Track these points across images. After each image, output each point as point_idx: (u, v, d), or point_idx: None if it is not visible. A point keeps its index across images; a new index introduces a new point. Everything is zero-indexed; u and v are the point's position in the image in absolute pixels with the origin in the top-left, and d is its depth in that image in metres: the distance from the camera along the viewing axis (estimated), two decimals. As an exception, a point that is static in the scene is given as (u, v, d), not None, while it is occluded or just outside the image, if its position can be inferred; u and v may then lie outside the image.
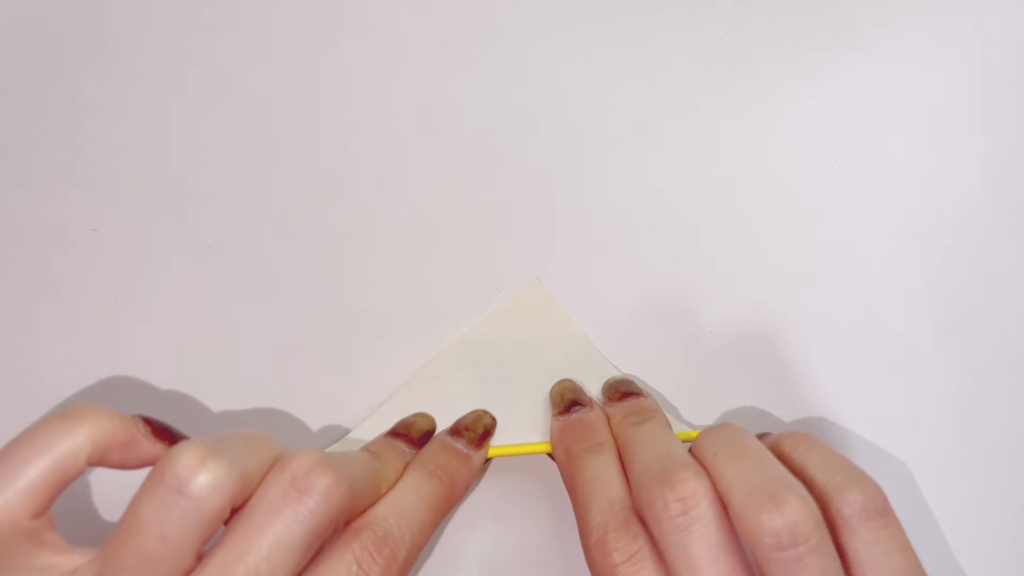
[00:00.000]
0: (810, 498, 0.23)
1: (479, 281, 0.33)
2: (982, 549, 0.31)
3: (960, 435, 0.32)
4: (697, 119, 0.34)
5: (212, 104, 0.34)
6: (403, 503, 0.25)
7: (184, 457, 0.22)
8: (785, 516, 0.22)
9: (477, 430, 0.29)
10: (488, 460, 0.30)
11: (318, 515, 0.22)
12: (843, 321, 0.32)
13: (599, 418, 0.29)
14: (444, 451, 0.28)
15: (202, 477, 0.22)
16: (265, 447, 0.24)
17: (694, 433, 0.29)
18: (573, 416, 0.29)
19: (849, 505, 0.23)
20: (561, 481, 0.29)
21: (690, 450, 0.26)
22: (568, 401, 0.29)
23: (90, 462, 0.24)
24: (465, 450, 0.28)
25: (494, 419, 0.30)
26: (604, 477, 0.26)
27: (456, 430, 0.29)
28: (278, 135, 0.33)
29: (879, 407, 0.32)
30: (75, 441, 0.23)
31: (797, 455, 0.25)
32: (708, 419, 0.32)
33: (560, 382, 0.31)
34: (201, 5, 0.34)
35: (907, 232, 0.33)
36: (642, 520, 0.24)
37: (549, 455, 0.30)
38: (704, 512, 0.23)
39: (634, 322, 0.32)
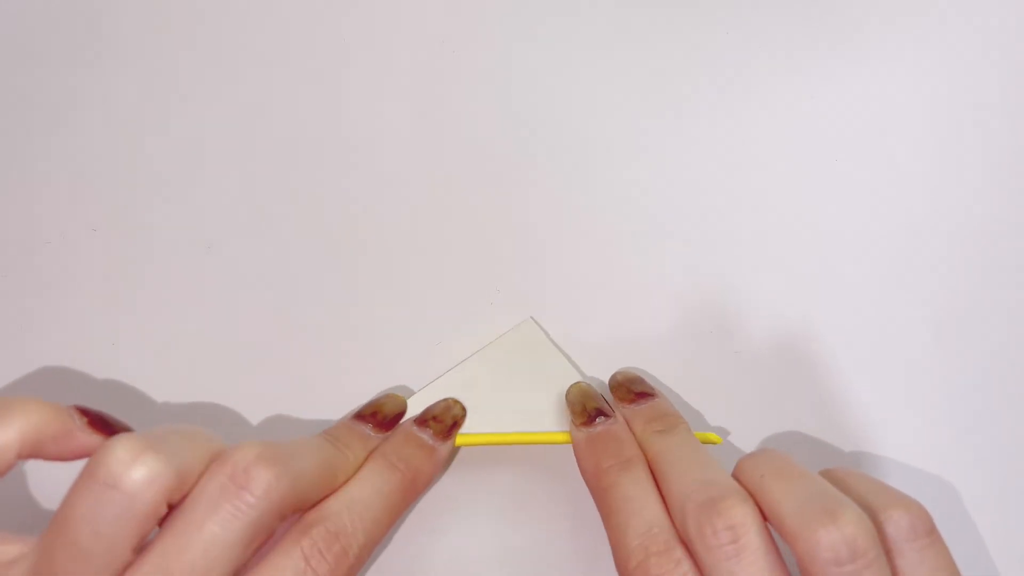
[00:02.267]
0: (864, 513, 0.22)
1: (479, 281, 0.33)
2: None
3: (960, 436, 0.32)
4: (696, 120, 0.34)
5: (212, 104, 0.34)
6: (359, 497, 0.25)
7: (118, 451, 0.21)
8: (843, 530, 0.21)
9: (446, 421, 0.28)
10: (455, 449, 0.30)
11: (258, 510, 0.22)
12: (842, 320, 0.32)
13: (625, 430, 0.28)
14: (408, 442, 0.28)
15: (136, 472, 0.21)
16: (206, 442, 0.24)
17: (711, 435, 0.29)
18: (599, 428, 0.28)
19: (895, 525, 0.23)
20: (557, 475, 0.29)
21: (733, 473, 0.26)
22: (591, 410, 0.28)
23: (20, 456, 0.23)
24: (431, 442, 0.28)
25: (464, 410, 0.29)
26: (639, 497, 0.25)
27: (423, 419, 0.28)
28: (278, 135, 0.34)
29: (879, 407, 0.32)
30: (3, 436, 0.23)
31: (838, 480, 0.25)
32: (709, 420, 0.32)
33: (578, 386, 0.30)
34: (202, 5, 0.34)
35: (907, 232, 0.33)
36: (683, 542, 0.24)
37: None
38: (753, 539, 0.23)
39: (633, 320, 0.32)
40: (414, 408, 0.30)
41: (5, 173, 0.33)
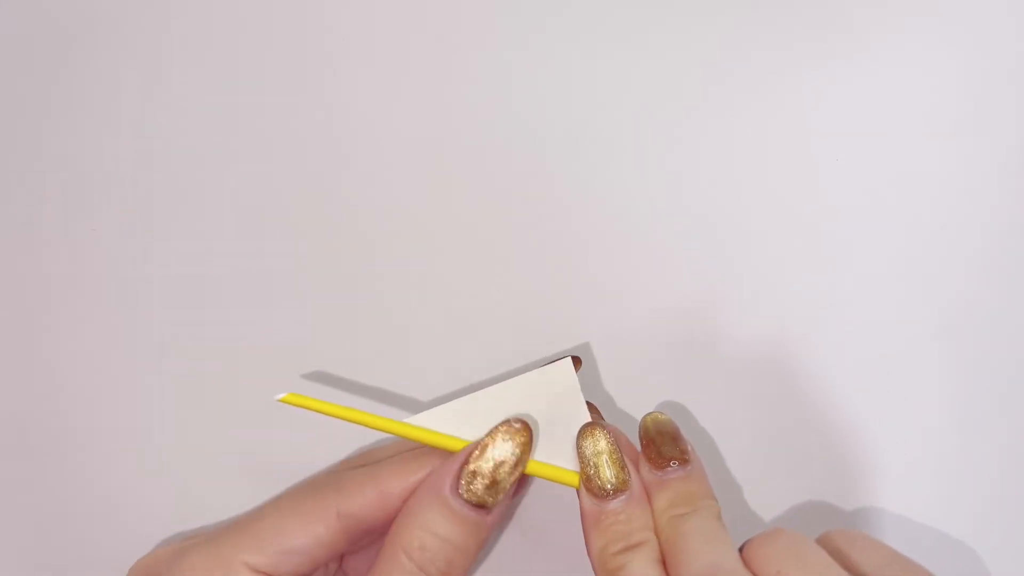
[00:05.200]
0: None
1: (479, 281, 0.32)
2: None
3: (961, 436, 0.31)
4: (696, 119, 0.33)
5: (212, 104, 0.34)
6: None
7: None
8: None
9: (504, 482, 0.24)
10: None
11: None
12: (843, 320, 0.32)
13: (642, 509, 0.25)
14: (443, 522, 0.23)
15: None
16: None
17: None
18: (612, 505, 0.25)
19: None
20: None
21: (743, 556, 0.23)
22: (604, 480, 0.25)
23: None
24: (474, 515, 0.24)
25: (529, 444, 0.25)
26: None
27: (473, 474, 0.24)
28: (278, 135, 0.33)
29: (878, 407, 0.31)
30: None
31: (847, 552, 0.24)
32: (711, 421, 0.31)
33: (593, 441, 0.26)
34: (202, 5, 0.34)
35: (908, 232, 0.33)
36: None
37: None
38: None
39: (632, 320, 0.32)
40: (424, 425, 0.26)
41: (5, 173, 0.33)
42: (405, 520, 0.24)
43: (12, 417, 0.32)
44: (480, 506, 0.24)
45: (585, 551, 0.25)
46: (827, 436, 0.31)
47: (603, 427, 0.26)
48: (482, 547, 0.24)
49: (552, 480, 0.26)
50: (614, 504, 0.25)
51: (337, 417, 0.26)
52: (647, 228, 0.33)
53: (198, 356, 0.32)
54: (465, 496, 0.24)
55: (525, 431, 0.25)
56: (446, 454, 0.25)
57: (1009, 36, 0.33)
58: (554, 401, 0.26)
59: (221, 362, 0.32)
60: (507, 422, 0.25)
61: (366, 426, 0.26)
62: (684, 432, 0.27)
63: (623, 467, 0.25)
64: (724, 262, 0.32)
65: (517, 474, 0.24)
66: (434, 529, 0.23)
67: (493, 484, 0.24)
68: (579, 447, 0.26)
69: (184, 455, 0.32)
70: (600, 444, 0.25)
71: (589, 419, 0.26)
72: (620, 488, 0.25)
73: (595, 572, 0.25)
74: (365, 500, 0.24)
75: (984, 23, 0.33)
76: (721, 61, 0.33)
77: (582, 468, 0.25)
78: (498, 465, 0.24)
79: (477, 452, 0.24)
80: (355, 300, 0.32)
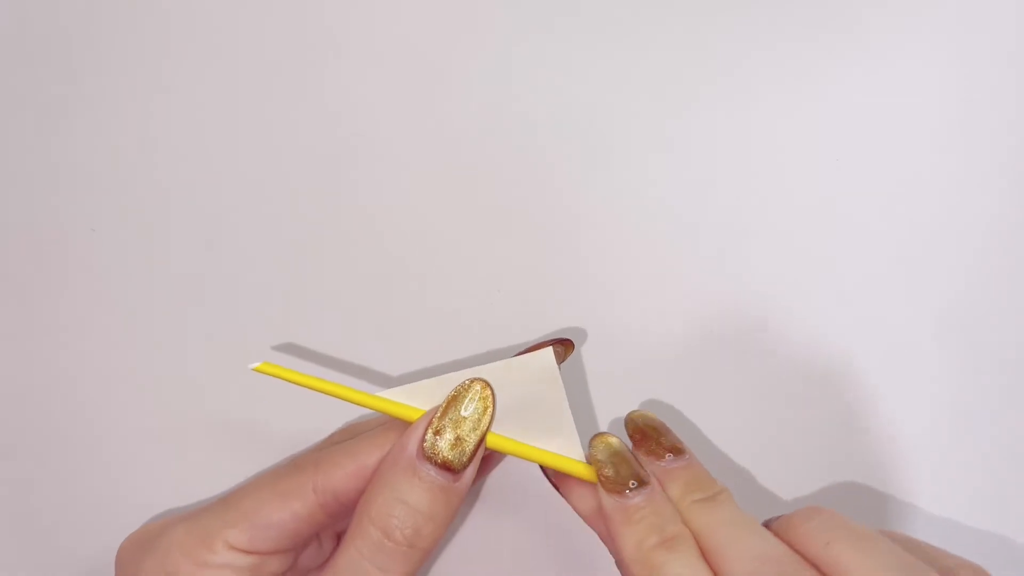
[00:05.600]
0: None
1: (479, 281, 0.32)
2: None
3: (958, 436, 0.31)
4: (697, 119, 0.33)
5: (210, 102, 0.34)
6: None
7: None
8: None
9: (468, 441, 0.24)
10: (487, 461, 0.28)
11: None
12: (842, 319, 0.32)
13: (665, 501, 0.24)
14: (411, 490, 0.23)
15: None
16: None
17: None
18: (636, 500, 0.24)
19: None
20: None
21: (783, 535, 0.23)
22: (625, 477, 0.24)
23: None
24: (442, 479, 0.23)
25: (491, 405, 0.24)
26: None
27: (437, 432, 0.24)
28: (277, 134, 0.33)
29: (876, 406, 0.31)
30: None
31: (908, 548, 0.23)
32: (708, 420, 0.31)
33: (605, 442, 0.25)
34: (201, 5, 0.34)
35: (908, 232, 0.33)
36: None
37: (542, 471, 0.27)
38: None
39: (631, 320, 0.32)
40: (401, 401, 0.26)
41: (5, 174, 0.33)
42: (372, 489, 0.24)
43: (11, 422, 0.32)
44: (447, 467, 0.23)
45: (544, 530, 0.26)
46: (824, 434, 0.31)
47: (609, 433, 0.26)
48: (453, 517, 0.24)
49: (527, 459, 0.26)
50: (637, 500, 0.24)
51: (311, 388, 0.26)
52: (645, 227, 0.33)
53: (199, 354, 0.32)
54: (429, 455, 0.23)
55: (486, 389, 0.25)
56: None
57: (1009, 36, 0.33)
58: (534, 388, 0.26)
59: (222, 360, 0.32)
60: (467, 380, 0.25)
61: (339, 398, 0.25)
62: (672, 427, 0.27)
63: (639, 462, 0.25)
64: (723, 261, 0.32)
65: (481, 430, 0.24)
66: (402, 496, 0.23)
67: (458, 442, 0.24)
68: (592, 453, 0.25)
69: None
70: (613, 445, 0.25)
71: (567, 407, 0.26)
72: (644, 481, 0.24)
73: (630, 569, 0.24)
74: (343, 474, 0.24)
75: (984, 23, 0.33)
76: (721, 60, 0.33)
77: (599, 471, 0.25)
78: (460, 422, 0.24)
79: (440, 412, 0.24)
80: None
